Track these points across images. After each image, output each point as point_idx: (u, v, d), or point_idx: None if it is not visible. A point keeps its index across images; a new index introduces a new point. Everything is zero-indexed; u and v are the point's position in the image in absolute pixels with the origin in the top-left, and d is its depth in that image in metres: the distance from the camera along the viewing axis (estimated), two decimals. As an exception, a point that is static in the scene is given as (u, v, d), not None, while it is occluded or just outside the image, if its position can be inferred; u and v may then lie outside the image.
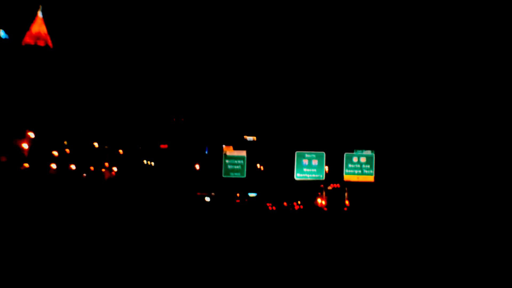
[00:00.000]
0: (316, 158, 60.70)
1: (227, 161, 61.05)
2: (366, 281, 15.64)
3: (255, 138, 67.39)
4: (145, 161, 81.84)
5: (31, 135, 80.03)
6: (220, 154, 60.73)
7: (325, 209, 67.76)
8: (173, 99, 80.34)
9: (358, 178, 60.04)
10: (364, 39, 69.02)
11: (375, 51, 66.81)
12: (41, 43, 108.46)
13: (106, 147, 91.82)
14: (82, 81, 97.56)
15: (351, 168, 60.08)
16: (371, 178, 60.19)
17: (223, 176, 60.88)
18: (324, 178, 60.54)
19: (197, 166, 71.24)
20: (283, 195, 72.44)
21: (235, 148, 61.22)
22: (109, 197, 66.00)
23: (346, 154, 60.03)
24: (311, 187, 70.75)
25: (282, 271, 16.53)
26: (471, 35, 63.60)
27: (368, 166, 60.23)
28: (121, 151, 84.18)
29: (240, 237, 27.96)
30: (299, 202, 73.77)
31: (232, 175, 60.75)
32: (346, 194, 67.83)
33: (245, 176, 60.58)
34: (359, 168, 60.04)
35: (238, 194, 73.54)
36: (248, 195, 75.51)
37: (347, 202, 67.49)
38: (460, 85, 62.85)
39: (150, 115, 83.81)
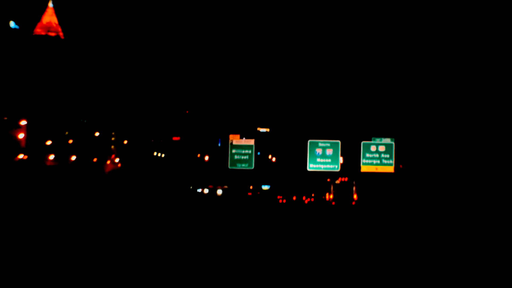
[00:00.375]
0: (330, 147, 55.91)
1: (233, 150, 56.36)
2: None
3: (268, 129, 62.47)
4: (155, 153, 78.30)
5: (40, 125, 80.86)
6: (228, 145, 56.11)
7: (333, 203, 63.80)
8: (185, 92, 76.65)
9: (376, 168, 55.19)
10: (384, 21, 63.78)
11: (392, 33, 61.59)
12: (52, 34, 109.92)
13: (113, 138, 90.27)
14: (93, 71, 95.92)
15: (368, 158, 55.33)
16: (390, 169, 55.23)
17: (229, 167, 56.20)
18: (339, 169, 55.63)
19: (206, 158, 67.31)
20: (295, 187, 68.05)
21: (242, 137, 56.45)
22: (116, 189, 64.69)
23: (364, 143, 55.26)
24: (325, 179, 66.11)
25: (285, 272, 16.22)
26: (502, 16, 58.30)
27: (388, 155, 55.33)
28: (125, 142, 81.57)
29: (244, 234, 27.21)
30: (312, 195, 69.42)
31: (239, 166, 56.08)
32: (354, 188, 63.27)
33: (253, 167, 55.89)
34: (377, 158, 55.26)
35: (250, 187, 69.28)
36: (261, 188, 72.44)
37: (355, 196, 63.09)
38: (491, 68, 57.43)
39: (162, 107, 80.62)
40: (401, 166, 54.32)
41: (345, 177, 62.95)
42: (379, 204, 58.69)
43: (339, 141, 55.76)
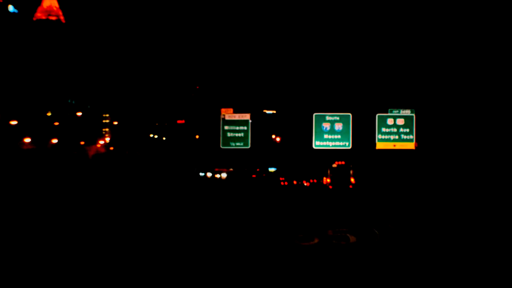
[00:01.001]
0: (340, 120, 48.00)
1: (226, 127, 48.34)
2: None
3: (274, 111, 54.64)
4: (151, 135, 72.73)
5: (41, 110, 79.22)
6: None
7: (330, 187, 58.54)
8: (186, 73, 70.65)
9: (394, 145, 47.57)
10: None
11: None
12: (52, 18, 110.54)
13: (115, 122, 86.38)
14: (94, 55, 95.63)
15: (385, 133, 47.68)
16: (411, 145, 47.55)
17: (221, 147, 48.20)
18: (351, 146, 47.54)
19: (197, 137, 60.10)
20: (298, 169, 60.82)
21: (236, 111, 48.32)
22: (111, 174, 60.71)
23: (379, 115, 47.56)
24: (334, 159, 58.01)
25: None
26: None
27: (407, 129, 47.65)
28: (115, 123, 76.86)
29: (238, 225, 24.35)
30: (313, 180, 63.05)
31: (233, 145, 48.10)
32: (351, 171, 57.72)
33: (249, 146, 47.92)
34: (395, 133, 47.64)
35: (257, 169, 65.42)
36: (267, 170, 67.49)
37: (352, 179, 57.53)
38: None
39: (164, 89, 75.68)
40: (416, 144, 46.95)
41: (341, 161, 57.96)
42: (397, 187, 50.22)
43: (350, 114, 48.02)
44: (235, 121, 48.16)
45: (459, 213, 30.27)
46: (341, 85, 51.99)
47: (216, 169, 66.58)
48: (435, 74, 50.67)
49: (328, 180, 59.44)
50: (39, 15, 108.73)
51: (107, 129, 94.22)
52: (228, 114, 48.26)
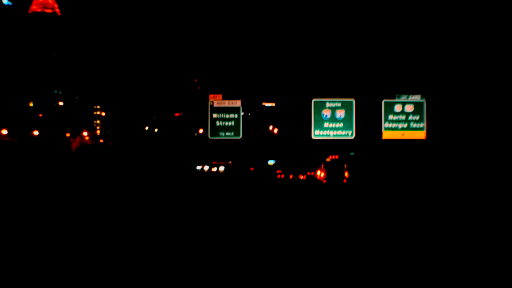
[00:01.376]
0: (342, 107, 43.24)
1: (214, 115, 43.49)
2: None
3: (273, 104, 50.17)
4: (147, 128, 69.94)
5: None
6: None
7: (324, 181, 55.40)
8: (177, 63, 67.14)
9: (403, 134, 42.84)
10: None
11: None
12: (48, 11, 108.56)
13: (102, 113, 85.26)
14: (89, 49, 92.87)
15: (392, 121, 42.92)
16: (421, 135, 42.76)
17: (209, 137, 43.40)
18: (354, 136, 42.75)
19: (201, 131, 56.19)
20: (295, 162, 57.12)
21: (226, 97, 43.45)
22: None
23: (385, 101, 42.80)
24: (335, 151, 53.37)
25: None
26: None
27: (417, 117, 42.88)
28: (103, 114, 74.25)
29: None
30: (320, 174, 58.99)
31: (222, 135, 43.35)
32: (345, 165, 54.25)
33: (240, 136, 43.14)
34: (403, 121, 42.90)
35: (254, 162, 63.61)
36: (267, 163, 65.98)
37: (346, 173, 54.06)
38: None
39: (155, 80, 72.69)
40: (425, 135, 42.31)
41: (335, 155, 55.30)
42: (408, 181, 45.32)
43: (353, 100, 43.22)
44: (225, 108, 43.48)
45: (474, 215, 25.27)
46: (343, 67, 46.88)
47: (214, 162, 63.75)
48: (448, 55, 45.43)
49: (322, 175, 56.54)
50: (34, 8, 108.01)
51: (98, 121, 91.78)
52: (217, 101, 43.53)
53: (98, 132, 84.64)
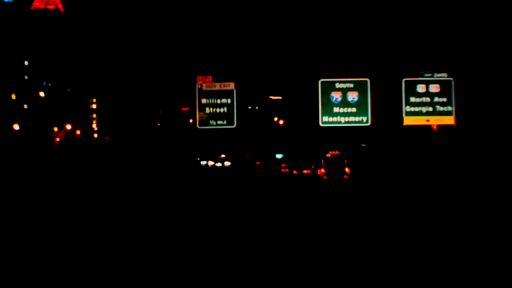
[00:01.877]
0: (354, 88, 37.66)
1: (203, 100, 37.11)
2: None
3: (280, 97, 44.75)
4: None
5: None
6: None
7: (324, 177, 53.28)
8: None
9: (427, 120, 37.40)
10: None
11: None
12: (50, 7, 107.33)
13: (93, 106, 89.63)
14: (92, 44, 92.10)
15: (415, 104, 37.38)
16: (450, 120, 37.41)
17: (197, 127, 36.98)
18: (370, 123, 37.22)
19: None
20: (299, 155, 52.29)
21: (216, 79, 36.90)
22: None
23: (406, 80, 36.89)
24: (346, 140, 47.17)
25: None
26: None
27: (445, 99, 37.38)
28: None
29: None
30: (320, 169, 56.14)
31: (213, 124, 37.12)
32: (345, 161, 52.33)
33: (235, 125, 36.82)
34: (428, 104, 37.45)
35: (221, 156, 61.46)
36: (275, 157, 63.85)
37: (347, 169, 51.79)
38: None
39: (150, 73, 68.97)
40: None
41: (336, 151, 53.37)
42: (437, 176, 38.83)
43: (367, 79, 37.23)
44: (216, 92, 37.49)
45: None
46: (355, 41, 40.38)
47: (220, 157, 62.12)
48: (480, 26, 38.71)
49: (323, 171, 53.89)
50: (37, 4, 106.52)
51: (94, 115, 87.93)
52: (206, 83, 37.47)
53: (94, 126, 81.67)
